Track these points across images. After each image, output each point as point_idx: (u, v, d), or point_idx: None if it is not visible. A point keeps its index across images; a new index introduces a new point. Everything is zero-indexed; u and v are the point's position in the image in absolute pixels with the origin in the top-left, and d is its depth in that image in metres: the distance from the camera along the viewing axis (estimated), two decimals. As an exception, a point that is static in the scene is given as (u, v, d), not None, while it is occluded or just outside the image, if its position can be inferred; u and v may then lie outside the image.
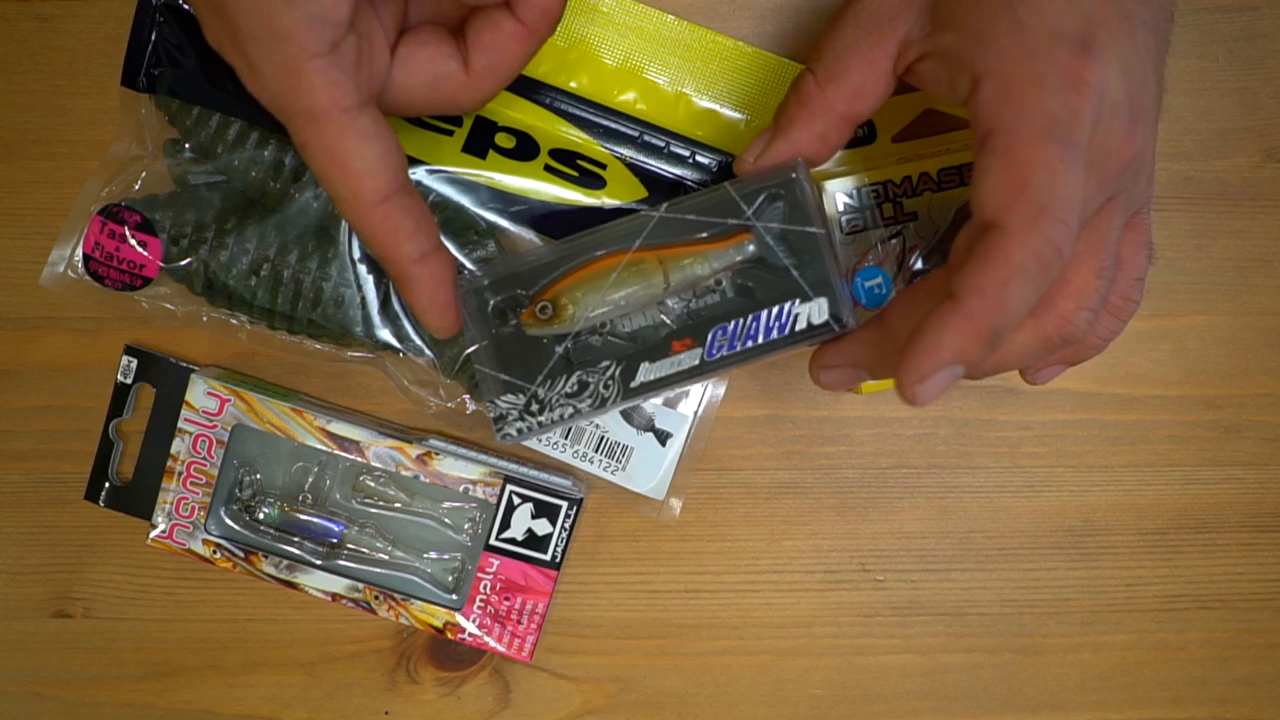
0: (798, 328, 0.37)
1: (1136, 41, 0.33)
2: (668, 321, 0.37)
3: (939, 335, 0.31)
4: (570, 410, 0.38)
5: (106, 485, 0.45)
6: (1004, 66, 0.32)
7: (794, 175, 0.36)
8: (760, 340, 0.37)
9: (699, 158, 0.43)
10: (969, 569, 0.47)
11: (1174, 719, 0.48)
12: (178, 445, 0.44)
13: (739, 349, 0.37)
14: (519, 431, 0.38)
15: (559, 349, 0.38)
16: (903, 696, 0.48)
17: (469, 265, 0.43)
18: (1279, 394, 0.46)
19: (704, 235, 0.37)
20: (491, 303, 0.38)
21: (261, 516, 0.45)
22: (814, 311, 0.36)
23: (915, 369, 0.31)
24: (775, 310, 0.37)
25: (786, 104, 0.37)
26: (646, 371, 0.37)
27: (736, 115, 0.43)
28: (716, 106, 0.43)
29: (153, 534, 0.45)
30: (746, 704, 0.47)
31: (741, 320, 0.37)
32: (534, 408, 0.38)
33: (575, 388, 0.38)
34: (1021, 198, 0.30)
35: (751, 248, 0.37)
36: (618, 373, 0.37)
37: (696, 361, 0.37)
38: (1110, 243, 0.34)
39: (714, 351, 0.37)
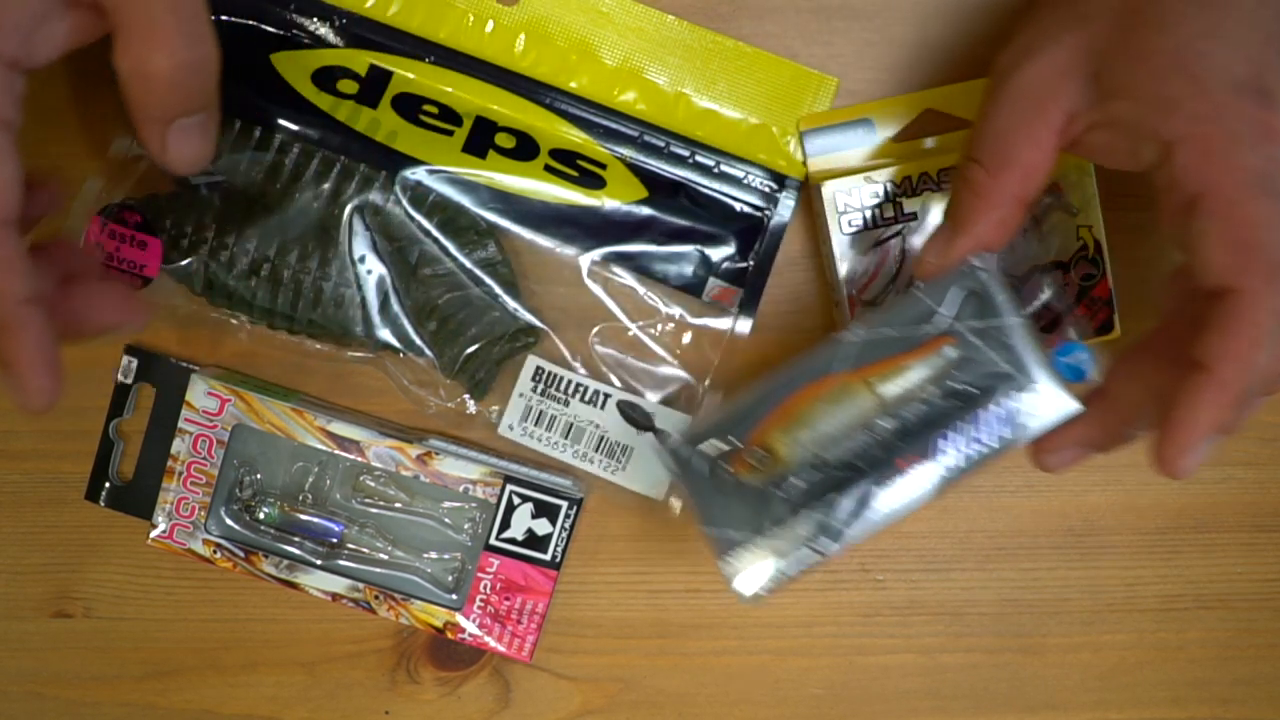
0: (1025, 423, 0.36)
1: None
2: (882, 440, 0.36)
3: (1197, 409, 0.31)
4: (809, 553, 0.36)
5: (107, 485, 0.45)
6: (1196, 129, 0.31)
7: (980, 268, 0.35)
8: (988, 442, 0.36)
9: (699, 158, 0.43)
10: (969, 569, 0.47)
11: (1174, 719, 0.48)
12: (178, 445, 0.44)
13: (968, 455, 0.36)
14: (765, 589, 0.37)
15: (782, 492, 0.36)
16: (903, 696, 0.48)
17: (469, 265, 0.43)
18: (1278, 394, 0.46)
19: (904, 347, 0.36)
20: (702, 460, 0.36)
21: (262, 516, 0.45)
22: (1038, 403, 0.36)
23: (1180, 445, 0.32)
24: (996, 409, 0.36)
25: (960, 198, 0.36)
26: (878, 497, 0.36)
27: (736, 115, 0.43)
28: (716, 106, 0.43)
29: (153, 534, 0.45)
30: (746, 704, 0.47)
31: (962, 424, 0.36)
32: (772, 559, 0.36)
33: (811, 529, 0.36)
34: (1254, 260, 0.31)
35: (954, 352, 0.36)
36: (851, 505, 0.36)
37: (928, 480, 0.36)
38: None
39: (943, 463, 0.36)
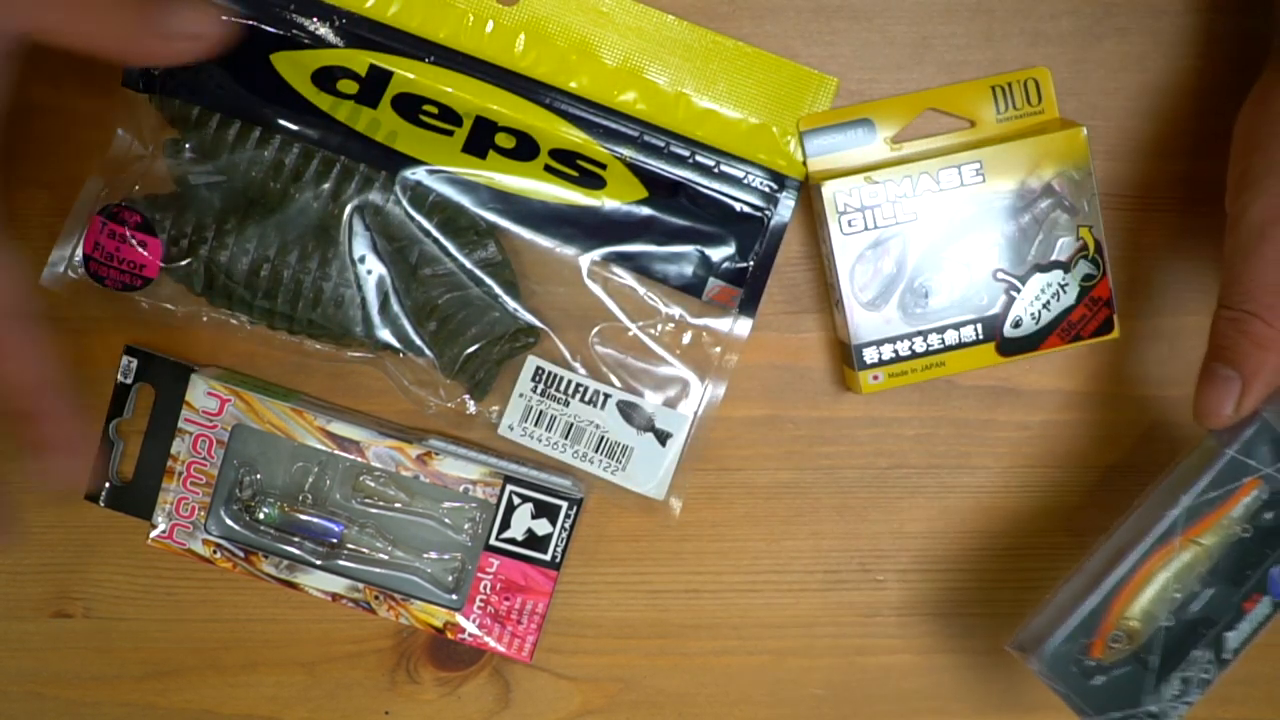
0: None
1: None
2: (1217, 587, 0.39)
3: None
4: (1184, 706, 0.40)
5: (107, 485, 0.45)
6: None
7: (1269, 413, 0.38)
8: None
9: (699, 158, 0.43)
10: (969, 569, 0.47)
11: (1174, 719, 0.48)
12: (178, 445, 0.44)
13: None
14: None
15: (1144, 664, 0.40)
16: (903, 696, 0.48)
17: (469, 265, 0.43)
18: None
19: (1220, 502, 0.39)
20: (1070, 661, 0.39)
21: (261, 516, 0.45)
22: None
23: None
24: None
25: (1243, 351, 0.37)
26: (1233, 640, 0.40)
27: (736, 115, 0.43)
28: (716, 106, 0.43)
29: (153, 534, 0.45)
30: (746, 704, 0.47)
31: None
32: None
33: (1180, 688, 0.40)
34: None
35: (1264, 493, 0.39)
36: (1210, 655, 0.40)
37: (1270, 609, 0.40)
38: None
39: (1278, 591, 0.40)
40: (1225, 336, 0.38)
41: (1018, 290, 0.43)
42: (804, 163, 0.43)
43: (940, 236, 0.43)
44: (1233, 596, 0.39)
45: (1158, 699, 0.40)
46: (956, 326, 0.43)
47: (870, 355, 0.43)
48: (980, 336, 0.43)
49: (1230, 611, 0.39)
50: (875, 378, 0.43)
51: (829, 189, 0.42)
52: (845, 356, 0.44)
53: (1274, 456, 0.39)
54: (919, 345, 0.43)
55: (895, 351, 0.43)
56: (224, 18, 0.37)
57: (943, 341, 0.43)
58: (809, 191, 0.43)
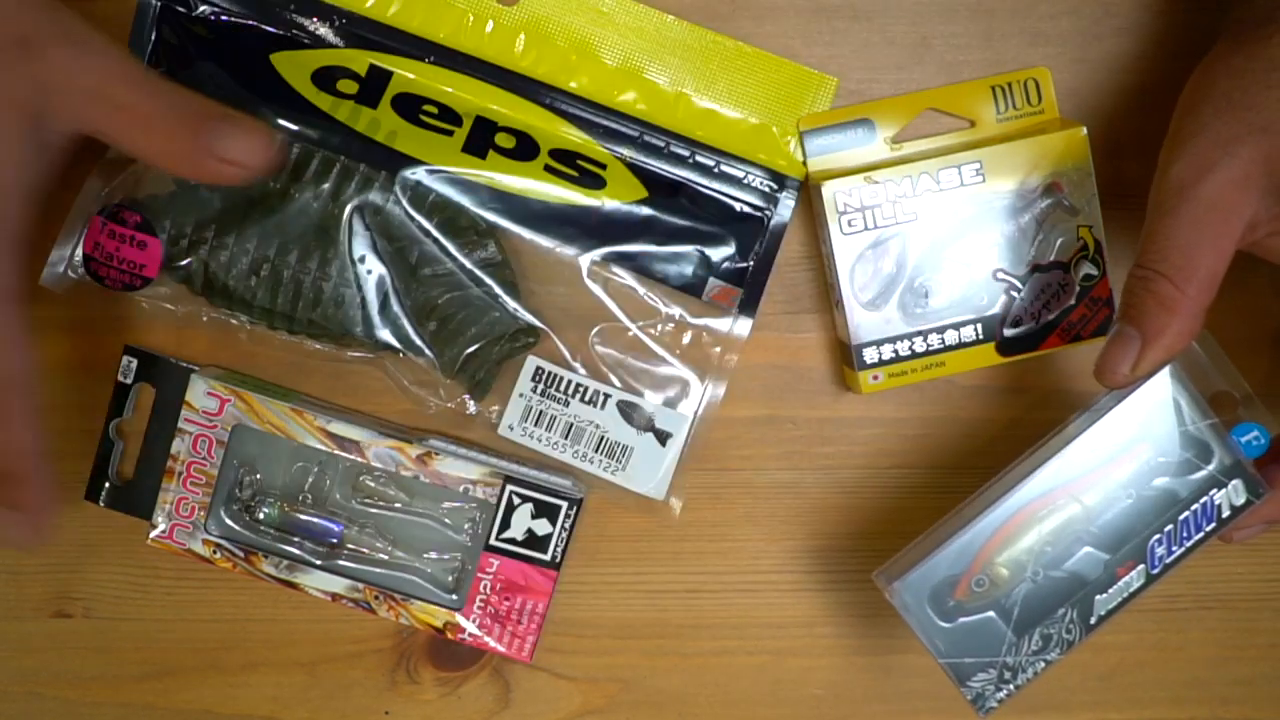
0: (1224, 515, 0.39)
1: None
2: (1099, 548, 0.39)
3: None
4: (1042, 664, 0.39)
5: (106, 485, 0.45)
6: None
7: (1171, 377, 0.38)
8: (1194, 538, 0.39)
9: (699, 158, 0.43)
10: (969, 569, 0.47)
11: (1174, 719, 0.48)
12: (178, 445, 0.44)
13: (1177, 552, 0.39)
14: (1000, 702, 0.39)
15: (1010, 613, 0.39)
16: (903, 696, 0.48)
17: (469, 265, 0.43)
18: (1279, 394, 0.46)
19: (1104, 459, 0.38)
20: (926, 598, 0.39)
21: (261, 516, 0.45)
22: (1232, 495, 0.39)
23: None
24: (1198, 507, 0.39)
25: (1148, 310, 0.37)
26: (1102, 605, 0.39)
27: (736, 115, 0.43)
28: (716, 106, 0.43)
29: (153, 534, 0.45)
30: (746, 704, 0.47)
31: (1173, 527, 0.39)
32: (1007, 676, 0.39)
33: (1040, 643, 0.39)
34: None
35: (1152, 457, 0.38)
36: (1075, 615, 0.39)
37: (1144, 579, 0.39)
38: None
39: (1156, 564, 0.39)
40: (1133, 295, 0.37)
41: (1018, 290, 0.43)
42: (804, 162, 0.43)
43: (940, 236, 0.43)
44: (1109, 561, 0.38)
45: (1015, 651, 0.39)
46: (956, 326, 0.43)
47: (870, 355, 0.43)
48: (980, 336, 0.43)
49: (1103, 575, 0.38)
50: (875, 378, 0.43)
51: (829, 189, 0.42)
52: (845, 356, 0.44)
53: (1164, 422, 0.38)
54: (919, 345, 0.43)
55: (895, 351, 0.43)
56: (279, 139, 0.38)
57: (943, 341, 0.43)
58: (809, 191, 0.44)
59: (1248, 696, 0.48)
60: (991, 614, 0.39)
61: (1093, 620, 0.39)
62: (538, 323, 0.44)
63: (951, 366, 0.43)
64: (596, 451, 0.44)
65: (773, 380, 0.46)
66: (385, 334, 0.43)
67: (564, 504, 0.44)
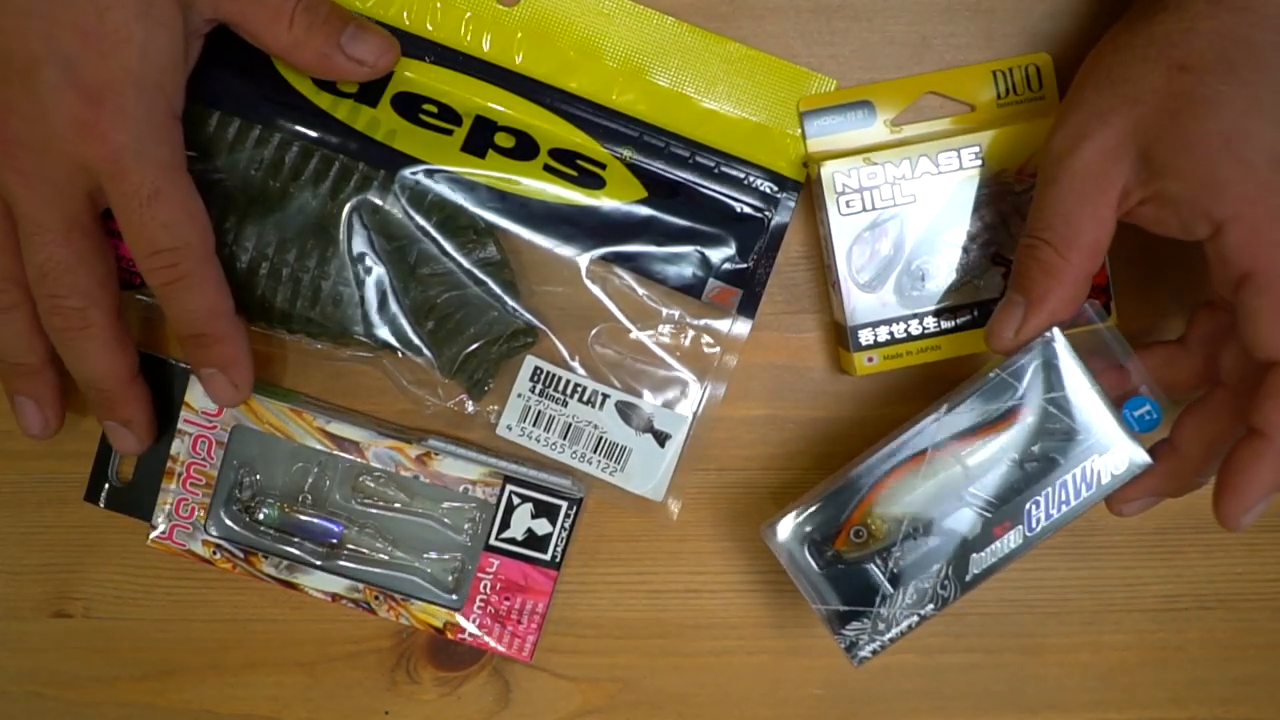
0: (1103, 481, 0.39)
1: None
2: (979, 509, 0.39)
3: (1256, 472, 0.35)
4: (916, 618, 0.39)
5: (106, 486, 0.45)
6: (1246, 210, 0.34)
7: (1053, 341, 0.38)
8: (1073, 503, 0.39)
9: (698, 158, 0.43)
10: (969, 569, 0.47)
11: (1174, 719, 0.48)
12: (177, 446, 0.44)
13: (1056, 516, 0.39)
14: (873, 654, 0.40)
15: (886, 566, 0.39)
16: (903, 696, 0.48)
17: (468, 265, 0.43)
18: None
19: (988, 421, 0.39)
20: (805, 542, 0.39)
21: (261, 517, 0.45)
22: (1113, 462, 0.39)
23: (1239, 504, 0.35)
24: (1078, 472, 0.39)
25: (1032, 277, 0.38)
26: (978, 563, 0.39)
27: (736, 116, 0.43)
28: (716, 107, 0.43)
29: (153, 535, 0.45)
30: (746, 704, 0.47)
31: (1051, 491, 0.39)
32: (880, 627, 0.39)
33: (914, 597, 0.39)
34: None
35: (1034, 420, 0.38)
36: (950, 572, 0.39)
37: (1021, 541, 0.39)
38: None
39: (1034, 526, 0.39)
40: (1020, 263, 0.38)
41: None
42: (804, 143, 0.43)
43: (938, 219, 0.43)
44: (987, 521, 0.39)
45: (890, 604, 0.39)
46: (953, 310, 0.43)
47: (865, 337, 0.43)
48: (976, 320, 0.43)
49: (981, 535, 0.39)
50: (870, 359, 0.43)
51: (828, 169, 0.42)
52: (840, 338, 0.44)
53: (1047, 387, 0.38)
54: (915, 328, 0.43)
55: (891, 333, 0.43)
56: (394, 37, 0.41)
57: (939, 325, 0.43)
58: (808, 171, 0.43)
59: (1248, 696, 0.48)
60: (869, 565, 0.39)
61: (968, 578, 0.39)
62: (536, 323, 0.44)
63: (947, 350, 0.43)
64: (595, 452, 0.44)
65: (773, 380, 0.46)
66: (384, 333, 0.43)
67: (564, 504, 0.44)
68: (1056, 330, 0.38)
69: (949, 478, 0.39)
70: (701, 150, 0.43)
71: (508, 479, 0.44)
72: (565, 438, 0.44)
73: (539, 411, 0.44)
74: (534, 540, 0.45)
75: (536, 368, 0.44)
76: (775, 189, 0.43)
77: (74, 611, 0.47)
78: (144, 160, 0.37)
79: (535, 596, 0.45)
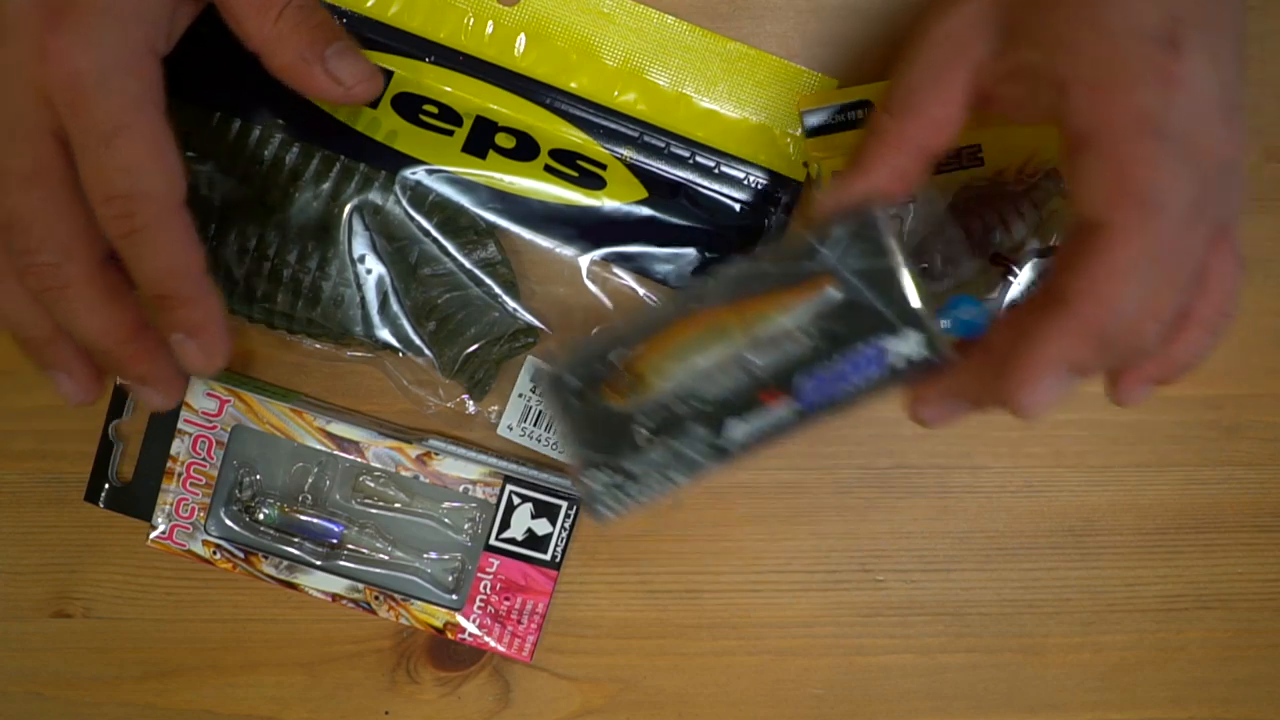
0: (893, 365, 0.35)
1: (1220, 41, 0.32)
2: (756, 378, 0.35)
3: (1048, 340, 0.31)
4: (665, 481, 0.36)
5: (106, 486, 0.45)
6: (1092, 70, 0.31)
7: (872, 213, 0.35)
8: (855, 382, 0.35)
9: (699, 159, 0.43)
10: (969, 569, 0.47)
11: (1174, 719, 0.48)
12: (177, 446, 0.44)
13: (833, 394, 0.35)
14: (614, 511, 0.37)
15: (646, 419, 0.36)
16: (903, 696, 0.48)
17: (469, 265, 0.43)
18: (1279, 394, 0.46)
19: (783, 284, 0.35)
20: (571, 381, 0.37)
21: (261, 517, 0.45)
22: (908, 347, 0.35)
23: (1025, 378, 0.31)
24: (866, 350, 0.35)
25: (864, 143, 0.36)
26: (738, 429, 0.36)
27: (737, 116, 0.43)
28: (717, 107, 0.43)
29: (153, 535, 0.45)
30: (746, 704, 0.47)
31: (830, 363, 0.35)
32: (626, 484, 0.37)
33: (667, 457, 0.36)
34: (1125, 194, 0.30)
35: (834, 292, 0.35)
36: (708, 435, 0.36)
37: (789, 412, 0.35)
38: (1194, 252, 0.32)
39: (807, 400, 0.35)
40: (864, 135, 0.36)
41: (1014, 275, 0.43)
42: (804, 142, 0.43)
43: (938, 219, 0.43)
44: (758, 386, 0.35)
45: (640, 459, 0.36)
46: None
47: None
48: None
49: (746, 401, 0.35)
50: None
51: (828, 169, 0.42)
52: None
53: (854, 259, 0.34)
54: None
55: None
56: (380, 73, 0.39)
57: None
58: (808, 171, 0.43)
59: (1248, 696, 0.48)
60: (631, 417, 0.36)
61: (725, 445, 0.36)
62: (537, 323, 0.44)
63: None
64: (596, 452, 0.44)
65: (773, 380, 0.46)
66: (385, 333, 0.43)
67: (564, 504, 0.44)
68: (877, 200, 0.35)
69: (731, 341, 0.35)
70: (702, 150, 0.43)
71: (508, 479, 0.44)
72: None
73: (540, 411, 0.44)
74: (534, 540, 0.45)
75: (537, 368, 0.44)
76: (775, 189, 0.43)
77: (74, 611, 0.47)
78: (108, 90, 0.33)
79: (535, 596, 0.45)
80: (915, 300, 0.34)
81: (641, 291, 0.44)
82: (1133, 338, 0.32)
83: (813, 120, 0.43)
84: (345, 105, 0.38)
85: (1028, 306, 0.33)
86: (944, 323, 0.36)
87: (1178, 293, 0.32)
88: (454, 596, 0.46)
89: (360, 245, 0.43)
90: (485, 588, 0.45)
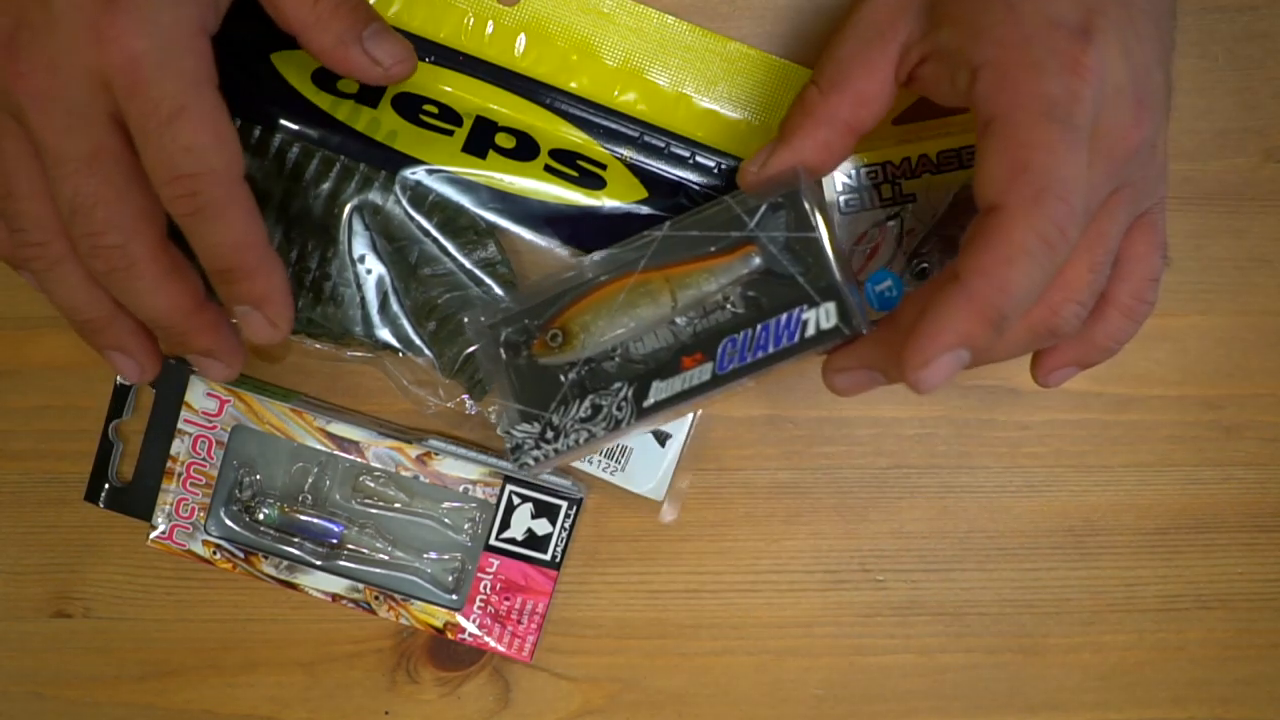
0: (807, 334, 0.36)
1: (1137, 29, 0.33)
2: (680, 341, 0.37)
3: (942, 318, 0.31)
4: (585, 434, 0.38)
5: (106, 486, 0.45)
6: (1001, 54, 0.32)
7: (797, 184, 0.36)
8: (771, 349, 0.37)
9: (699, 158, 0.43)
10: (969, 569, 0.47)
11: (1174, 719, 0.48)
12: (177, 446, 0.44)
13: (750, 359, 0.37)
14: (536, 460, 0.39)
15: (572, 375, 0.38)
16: (903, 696, 0.48)
17: (469, 265, 0.43)
18: (1279, 394, 0.46)
19: (709, 250, 0.37)
20: (503, 335, 0.38)
21: (261, 517, 0.45)
22: (822, 316, 0.36)
23: (919, 353, 0.32)
24: (783, 318, 0.36)
25: (790, 113, 0.37)
26: (659, 390, 0.37)
27: (737, 116, 0.43)
28: (717, 107, 0.43)
29: (153, 535, 0.45)
30: (746, 704, 0.47)
31: (750, 330, 0.37)
32: (549, 435, 0.38)
33: (589, 412, 0.38)
34: (1022, 178, 0.31)
35: (757, 260, 0.37)
36: (630, 393, 0.38)
37: (708, 376, 0.37)
38: (1109, 237, 0.34)
39: (725, 364, 0.37)
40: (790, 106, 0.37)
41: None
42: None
43: (939, 218, 0.43)
44: (680, 349, 0.37)
45: (564, 412, 0.38)
46: None
47: None
48: None
49: (669, 362, 0.37)
50: None
51: None
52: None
53: (778, 228, 0.36)
54: None
55: None
56: (415, 52, 0.39)
57: None
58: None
59: (1248, 696, 0.48)
60: (558, 372, 0.38)
61: (646, 404, 0.37)
62: (538, 323, 0.44)
63: None
64: (596, 452, 0.44)
65: (773, 380, 0.46)
66: (385, 333, 0.43)
67: (564, 504, 0.44)
68: (802, 172, 0.36)
69: (657, 303, 0.37)
70: (702, 150, 0.43)
71: (508, 479, 0.44)
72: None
73: (539, 411, 0.44)
74: (534, 540, 0.45)
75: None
76: (776, 189, 0.43)
77: (74, 611, 0.47)
78: (166, 71, 0.33)
79: (535, 596, 0.45)
80: (835, 272, 0.36)
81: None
82: (1049, 317, 0.33)
83: None
84: (384, 82, 0.38)
85: (931, 284, 0.34)
86: (862, 295, 0.37)
87: (1093, 275, 0.33)
88: (454, 596, 0.46)
89: (360, 245, 0.43)
90: (485, 588, 0.45)
